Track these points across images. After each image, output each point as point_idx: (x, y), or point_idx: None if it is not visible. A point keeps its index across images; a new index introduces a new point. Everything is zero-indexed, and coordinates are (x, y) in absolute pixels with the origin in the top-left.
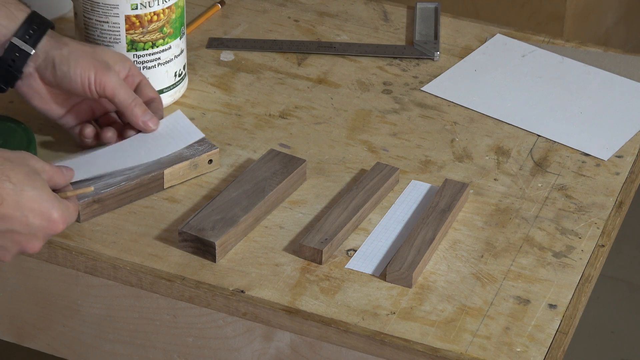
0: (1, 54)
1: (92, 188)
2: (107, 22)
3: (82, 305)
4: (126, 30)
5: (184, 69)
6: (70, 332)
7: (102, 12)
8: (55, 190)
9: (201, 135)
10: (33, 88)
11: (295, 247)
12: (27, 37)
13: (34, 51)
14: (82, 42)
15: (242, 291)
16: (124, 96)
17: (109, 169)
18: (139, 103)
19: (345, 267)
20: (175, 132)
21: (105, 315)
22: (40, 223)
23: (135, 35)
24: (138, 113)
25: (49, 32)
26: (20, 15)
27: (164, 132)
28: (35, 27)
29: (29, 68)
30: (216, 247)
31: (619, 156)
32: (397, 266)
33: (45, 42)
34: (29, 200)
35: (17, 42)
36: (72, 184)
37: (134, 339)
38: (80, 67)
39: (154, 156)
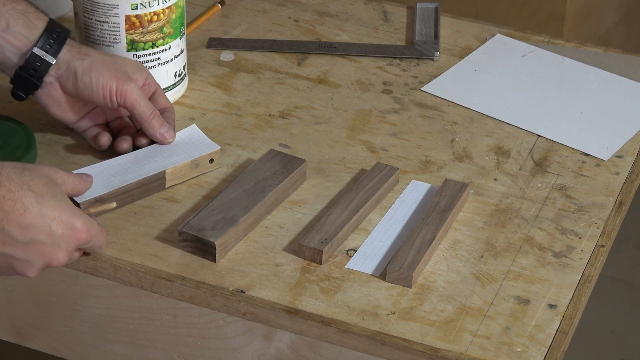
0: (22, 63)
1: (114, 204)
2: (107, 22)
3: (82, 305)
4: (126, 30)
5: (184, 69)
6: (70, 332)
7: (102, 12)
8: (78, 206)
9: (217, 147)
10: (52, 96)
11: (295, 247)
12: (48, 46)
13: (55, 61)
14: (101, 52)
15: (242, 291)
16: (143, 108)
17: (127, 180)
18: (157, 115)
19: (345, 267)
20: (191, 144)
21: (105, 315)
22: (63, 232)
23: (135, 35)
24: (156, 125)
25: (68, 40)
26: (39, 25)
27: (181, 144)
28: (55, 36)
29: (50, 77)
30: (216, 247)
31: (619, 156)
32: (397, 266)
33: (65, 52)
34: (50, 209)
35: (38, 52)
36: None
37: (134, 339)
38: (103, 78)
39: (170, 166)
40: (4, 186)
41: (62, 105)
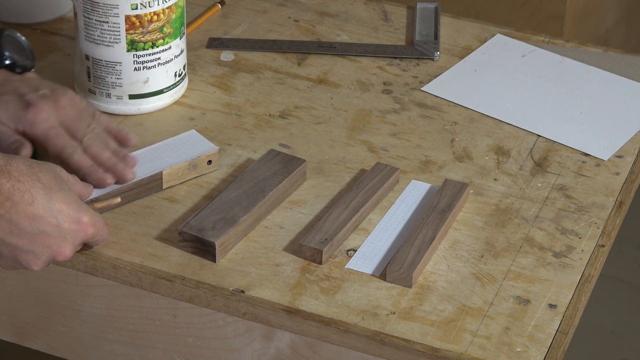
0: None
1: (119, 199)
2: (107, 22)
3: (82, 305)
4: (126, 30)
5: (184, 69)
6: (70, 332)
7: (102, 12)
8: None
9: (215, 147)
10: None
11: (295, 247)
12: None
13: None
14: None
15: (242, 291)
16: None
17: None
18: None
19: (345, 267)
20: (189, 145)
21: (105, 315)
22: (70, 226)
23: (135, 35)
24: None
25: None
26: None
27: (179, 145)
28: None
29: None
30: (216, 247)
31: (619, 156)
32: (397, 266)
33: None
34: (58, 202)
35: None
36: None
37: (134, 339)
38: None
39: (167, 167)
40: (13, 177)
41: None
